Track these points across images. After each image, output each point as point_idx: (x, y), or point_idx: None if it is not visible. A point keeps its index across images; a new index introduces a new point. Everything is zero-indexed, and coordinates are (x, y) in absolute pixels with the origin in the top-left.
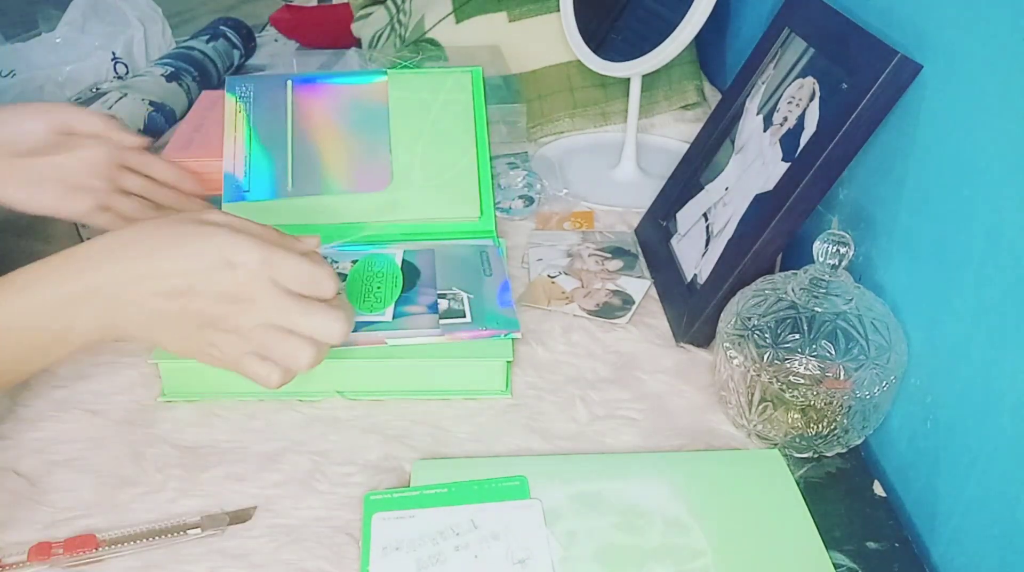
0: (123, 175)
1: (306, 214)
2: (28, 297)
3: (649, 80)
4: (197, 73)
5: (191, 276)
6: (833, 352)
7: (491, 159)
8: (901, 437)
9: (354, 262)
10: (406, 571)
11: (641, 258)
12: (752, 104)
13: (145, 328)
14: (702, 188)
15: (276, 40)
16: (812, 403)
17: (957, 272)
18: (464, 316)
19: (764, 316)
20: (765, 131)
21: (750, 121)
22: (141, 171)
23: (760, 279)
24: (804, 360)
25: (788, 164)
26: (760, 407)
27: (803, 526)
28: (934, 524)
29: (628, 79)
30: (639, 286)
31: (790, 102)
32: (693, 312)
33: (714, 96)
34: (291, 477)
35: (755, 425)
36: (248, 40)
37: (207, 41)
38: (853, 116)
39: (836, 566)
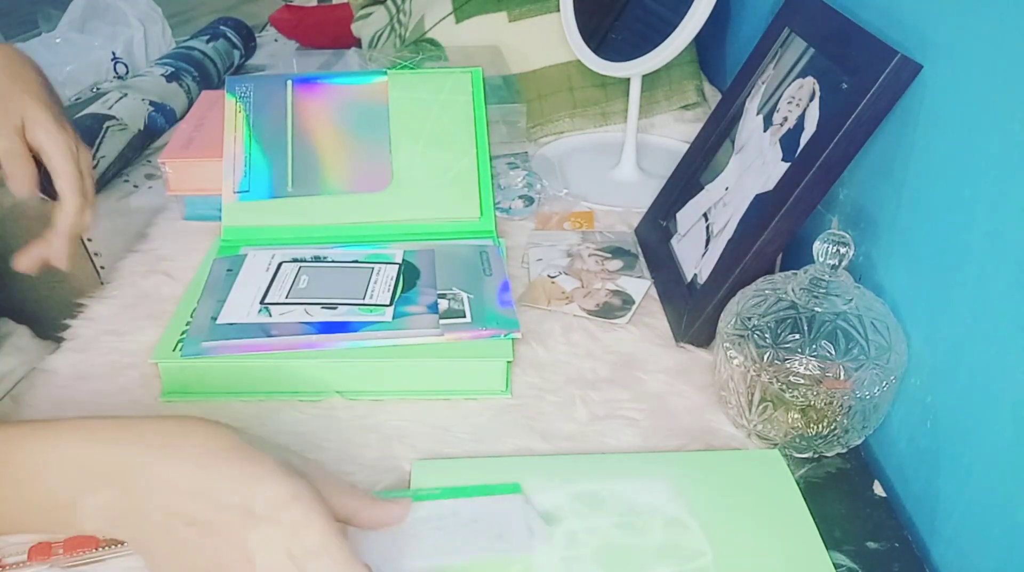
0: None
1: (306, 214)
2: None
3: (649, 80)
4: (197, 73)
5: (206, 510)
6: (833, 352)
7: (491, 159)
8: (901, 437)
9: (355, 262)
10: (381, 545)
11: (641, 258)
12: (752, 104)
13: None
14: (702, 188)
15: (276, 40)
16: (812, 403)
17: (957, 272)
18: (464, 316)
19: (764, 316)
20: (765, 131)
21: (750, 121)
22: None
23: (760, 279)
24: (804, 360)
25: (788, 164)
26: (760, 407)
27: (803, 526)
28: (934, 524)
29: (628, 79)
30: (639, 286)
31: (790, 102)
32: (693, 312)
33: (714, 96)
34: None
35: (755, 425)
36: (248, 40)
37: (207, 41)
38: (853, 116)
39: (836, 566)
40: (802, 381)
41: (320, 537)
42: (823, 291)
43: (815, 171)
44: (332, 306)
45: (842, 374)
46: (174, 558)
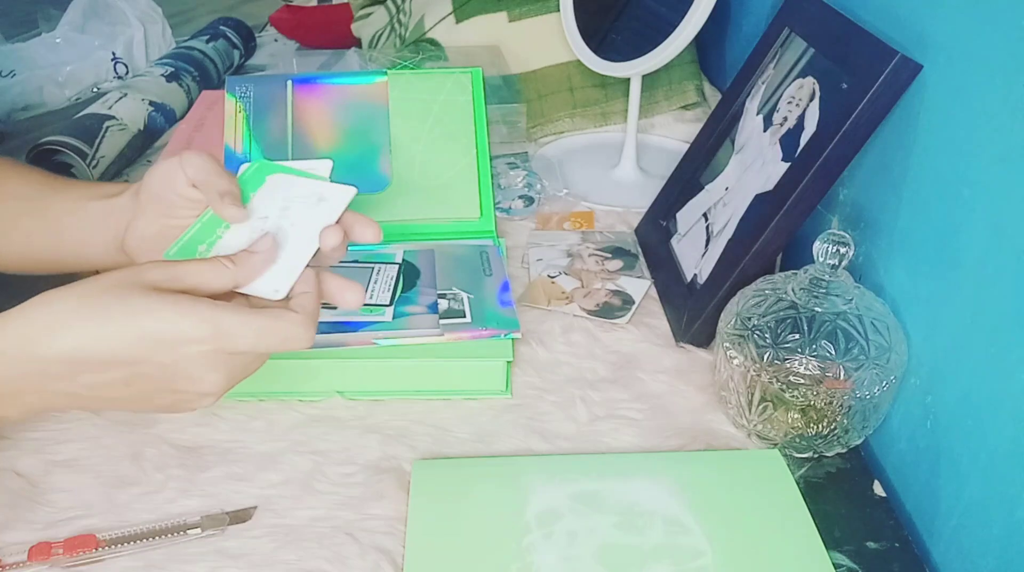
0: None
1: None
2: None
3: (649, 80)
4: (197, 73)
5: (130, 365)
6: (833, 352)
7: (491, 159)
8: (901, 437)
9: (355, 261)
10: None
11: (641, 258)
12: (752, 104)
13: (88, 407)
14: (702, 188)
15: (276, 40)
16: (812, 403)
17: (957, 272)
18: (464, 316)
19: (764, 316)
20: (765, 131)
21: (750, 121)
22: None
23: (760, 279)
24: (804, 360)
25: (788, 164)
26: (760, 407)
27: (803, 526)
28: (934, 524)
29: (628, 79)
30: (639, 286)
31: (790, 102)
32: (693, 312)
33: (714, 96)
34: (291, 477)
35: (755, 425)
36: (248, 40)
37: (207, 41)
38: (853, 116)
39: (836, 566)
40: (802, 381)
41: (241, 327)
42: (823, 291)
43: (815, 171)
44: (332, 306)
45: (842, 374)
46: (121, 405)
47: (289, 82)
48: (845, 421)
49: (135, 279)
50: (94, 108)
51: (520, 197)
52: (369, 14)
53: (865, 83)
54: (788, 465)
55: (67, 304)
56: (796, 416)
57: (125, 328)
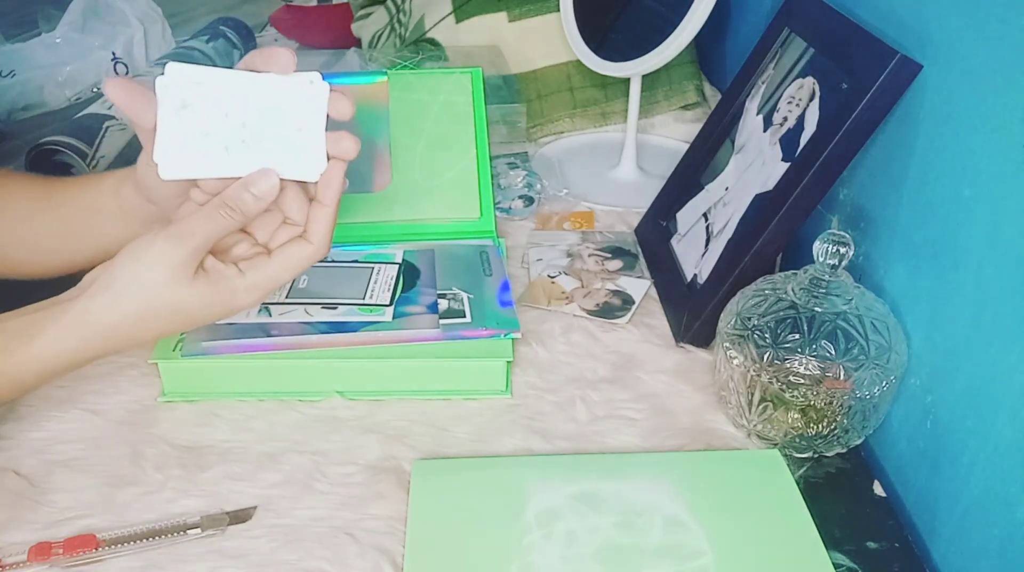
0: None
1: None
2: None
3: (649, 80)
4: None
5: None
6: (833, 352)
7: (491, 159)
8: (901, 437)
9: (355, 262)
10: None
11: (641, 258)
12: (752, 104)
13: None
14: (702, 188)
15: (276, 40)
16: (812, 403)
17: (957, 272)
18: (464, 316)
19: (764, 316)
20: (765, 131)
21: (750, 121)
22: None
23: (760, 279)
24: (804, 360)
25: (788, 164)
26: (760, 407)
27: (803, 526)
28: (934, 524)
29: (628, 79)
30: (639, 286)
31: (790, 102)
32: (693, 312)
33: (714, 96)
34: (291, 477)
35: (755, 425)
36: (248, 40)
37: (207, 41)
38: (853, 116)
39: (836, 566)
40: (802, 381)
41: (259, 289)
42: (823, 291)
43: (815, 171)
44: (332, 306)
45: (842, 374)
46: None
47: None
48: (845, 421)
49: (174, 274)
50: (94, 108)
51: (520, 197)
52: (369, 14)
53: (865, 83)
54: (788, 465)
55: (137, 307)
56: (796, 416)
57: (188, 319)
